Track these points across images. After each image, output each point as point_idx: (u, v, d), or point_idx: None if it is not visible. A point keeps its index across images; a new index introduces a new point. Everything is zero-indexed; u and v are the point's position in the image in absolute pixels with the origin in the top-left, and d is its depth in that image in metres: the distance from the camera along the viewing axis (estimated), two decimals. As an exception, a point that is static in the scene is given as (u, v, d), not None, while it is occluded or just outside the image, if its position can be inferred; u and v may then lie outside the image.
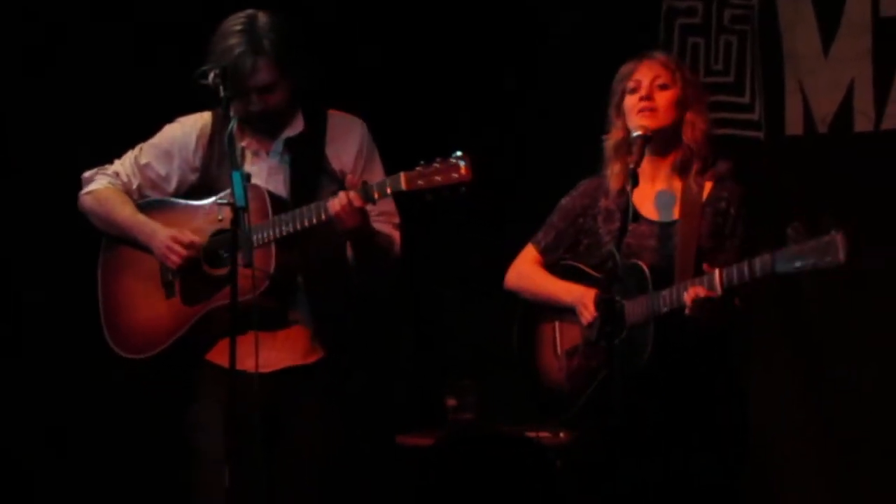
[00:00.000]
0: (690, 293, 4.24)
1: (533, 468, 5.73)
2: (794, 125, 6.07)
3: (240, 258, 4.12)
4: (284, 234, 4.44)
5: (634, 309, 4.37)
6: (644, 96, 4.45)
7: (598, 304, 4.26)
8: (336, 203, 4.37)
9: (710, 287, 4.22)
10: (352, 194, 4.36)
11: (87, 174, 4.76)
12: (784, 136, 6.10)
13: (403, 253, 4.73)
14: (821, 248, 4.04)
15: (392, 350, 6.75)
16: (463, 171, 4.32)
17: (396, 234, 4.68)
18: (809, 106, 6.02)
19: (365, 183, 4.41)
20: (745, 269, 4.17)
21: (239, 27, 4.50)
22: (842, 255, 4.01)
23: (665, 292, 4.32)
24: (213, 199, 4.60)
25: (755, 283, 4.20)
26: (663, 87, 4.47)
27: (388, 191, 4.36)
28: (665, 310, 4.32)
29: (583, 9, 6.53)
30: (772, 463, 5.85)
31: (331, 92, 4.78)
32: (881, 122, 5.85)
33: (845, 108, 5.93)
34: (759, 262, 4.15)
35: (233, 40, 4.47)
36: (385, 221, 4.66)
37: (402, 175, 4.35)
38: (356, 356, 4.80)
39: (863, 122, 5.89)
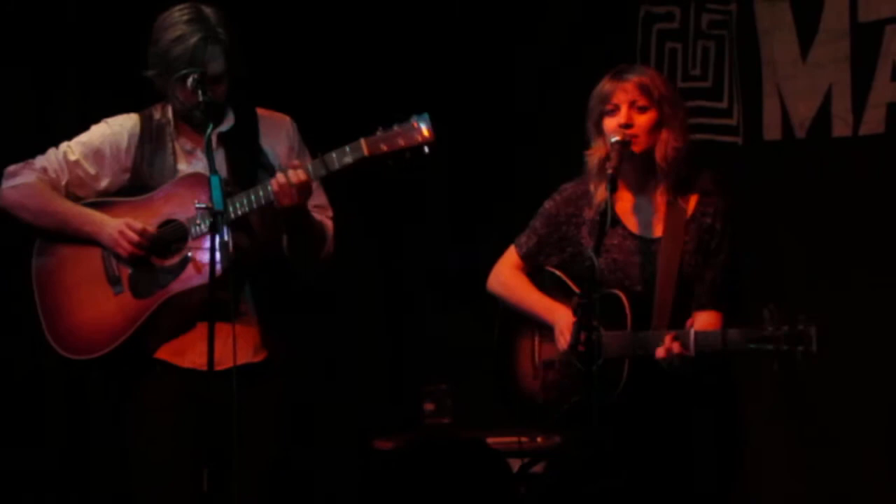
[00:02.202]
0: (662, 350, 4.29)
1: (490, 473, 5.74)
2: (772, 130, 6.07)
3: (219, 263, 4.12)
4: (240, 214, 4.39)
5: (612, 342, 4.37)
6: (624, 124, 4.42)
7: (576, 308, 4.23)
8: (277, 180, 4.34)
9: (685, 346, 4.28)
10: (292, 172, 4.33)
11: (11, 168, 4.62)
12: (762, 140, 6.10)
13: (379, 254, 4.69)
14: (794, 336, 4.15)
15: (370, 354, 6.73)
16: (426, 131, 4.30)
17: (330, 226, 4.63)
18: (787, 111, 6.03)
19: (321, 154, 4.37)
20: (719, 339, 4.26)
21: (187, 17, 4.46)
22: (814, 348, 4.14)
23: (642, 335, 4.35)
24: (149, 193, 4.55)
25: (727, 353, 4.29)
26: (642, 110, 4.44)
27: (349, 159, 4.33)
28: (640, 353, 4.35)
29: (560, 13, 6.53)
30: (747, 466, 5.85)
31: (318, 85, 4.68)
32: (859, 127, 5.86)
33: (823, 114, 5.94)
34: (731, 337, 4.24)
35: (183, 29, 4.44)
36: (319, 213, 4.60)
37: (362, 141, 4.33)
38: (305, 354, 4.75)
39: (841, 128, 5.90)
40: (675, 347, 4.26)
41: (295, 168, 4.35)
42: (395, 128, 4.32)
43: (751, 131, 6.13)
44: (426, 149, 4.32)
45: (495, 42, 6.71)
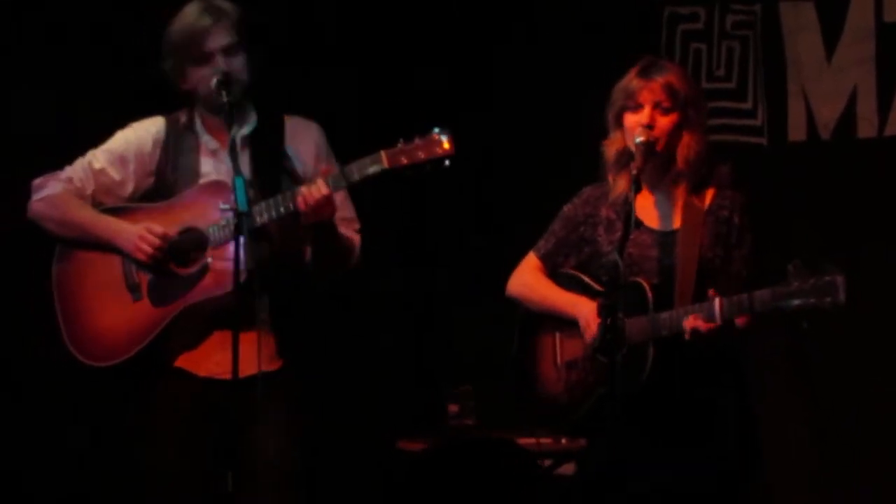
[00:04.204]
0: (689, 322, 4.26)
1: (521, 473, 5.74)
2: (796, 131, 6.07)
3: (243, 261, 4.14)
4: (259, 224, 4.38)
5: (634, 328, 4.36)
6: (646, 124, 4.42)
7: (601, 309, 4.24)
8: (302, 198, 4.34)
9: (710, 317, 4.25)
10: (314, 188, 4.33)
11: (37, 181, 4.65)
12: (787, 142, 6.10)
13: (403, 255, 4.67)
14: (821, 287, 4.10)
15: (394, 355, 6.74)
16: (446, 144, 4.33)
17: (357, 239, 4.64)
18: (812, 112, 6.02)
19: (341, 165, 4.38)
20: (746, 302, 4.22)
21: (196, 4, 4.53)
22: (842, 297, 4.08)
23: (665, 315, 4.33)
24: (170, 200, 4.56)
25: (754, 316, 4.24)
26: (665, 112, 4.44)
27: (369, 171, 4.33)
28: (664, 333, 4.33)
29: (585, 14, 6.52)
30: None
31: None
32: (884, 128, 5.85)
33: (848, 115, 5.93)
34: (759, 298, 4.19)
35: (186, 12, 4.51)
36: (346, 227, 4.61)
37: (382, 153, 4.33)
38: (327, 357, 4.73)
39: (866, 129, 5.89)
40: (700, 322, 4.23)
41: (324, 174, 4.35)
42: (416, 140, 4.33)
43: (775, 132, 6.13)
44: (446, 162, 4.34)
45: (509, 44, 6.72)
